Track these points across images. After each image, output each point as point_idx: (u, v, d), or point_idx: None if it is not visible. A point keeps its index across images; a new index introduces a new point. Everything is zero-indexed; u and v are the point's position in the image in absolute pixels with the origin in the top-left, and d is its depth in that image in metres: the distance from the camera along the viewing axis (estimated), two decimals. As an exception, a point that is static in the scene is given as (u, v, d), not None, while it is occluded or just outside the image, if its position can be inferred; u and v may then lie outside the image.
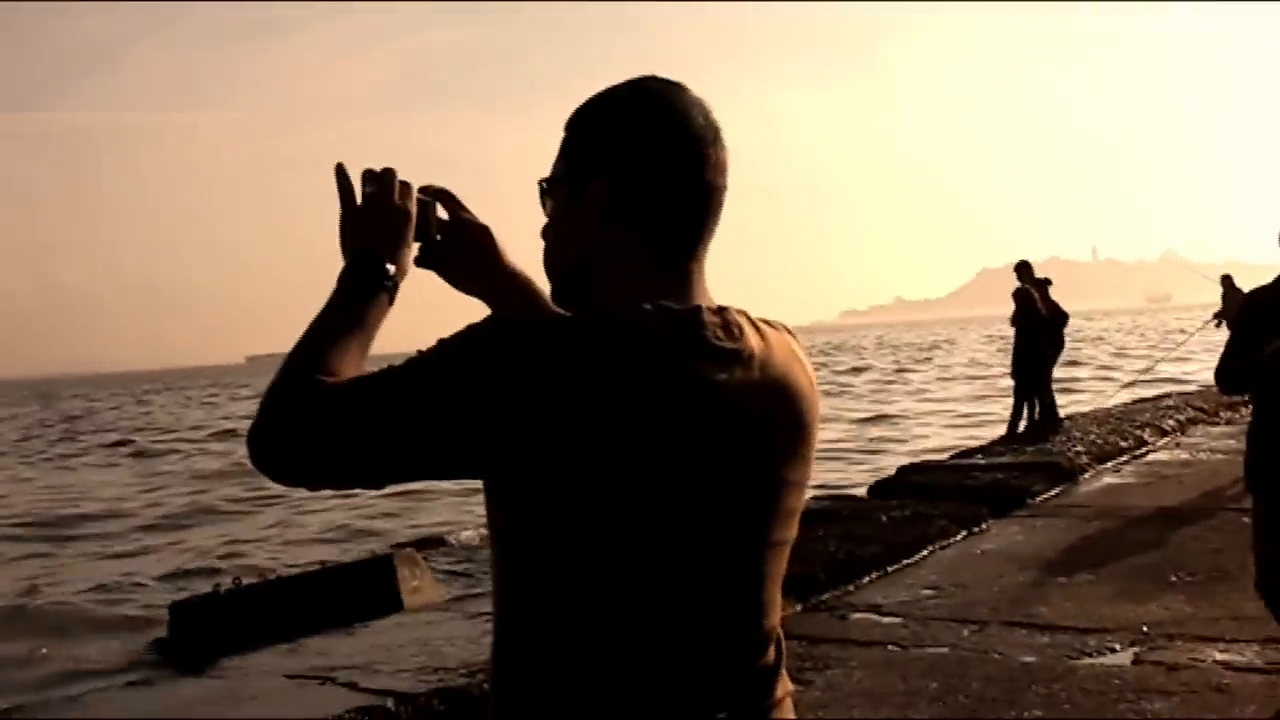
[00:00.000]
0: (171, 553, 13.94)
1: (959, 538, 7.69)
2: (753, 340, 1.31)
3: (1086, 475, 10.26)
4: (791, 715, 1.37)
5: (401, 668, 5.01)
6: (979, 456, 11.93)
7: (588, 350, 1.21)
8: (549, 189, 1.39)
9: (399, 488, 1.68)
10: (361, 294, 1.37)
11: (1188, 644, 5.12)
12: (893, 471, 11.50)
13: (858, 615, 5.96)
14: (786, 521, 1.35)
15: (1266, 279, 4.07)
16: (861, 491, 10.39)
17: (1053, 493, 9.43)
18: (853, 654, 5.24)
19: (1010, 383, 14.23)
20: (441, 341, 1.23)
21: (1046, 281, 13.85)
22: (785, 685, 1.37)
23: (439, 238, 1.50)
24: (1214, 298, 18.15)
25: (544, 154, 1.41)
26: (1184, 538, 7.41)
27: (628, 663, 1.24)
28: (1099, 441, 11.77)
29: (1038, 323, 13.37)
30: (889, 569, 6.86)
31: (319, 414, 1.21)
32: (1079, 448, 11.27)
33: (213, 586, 8.47)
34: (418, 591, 7.94)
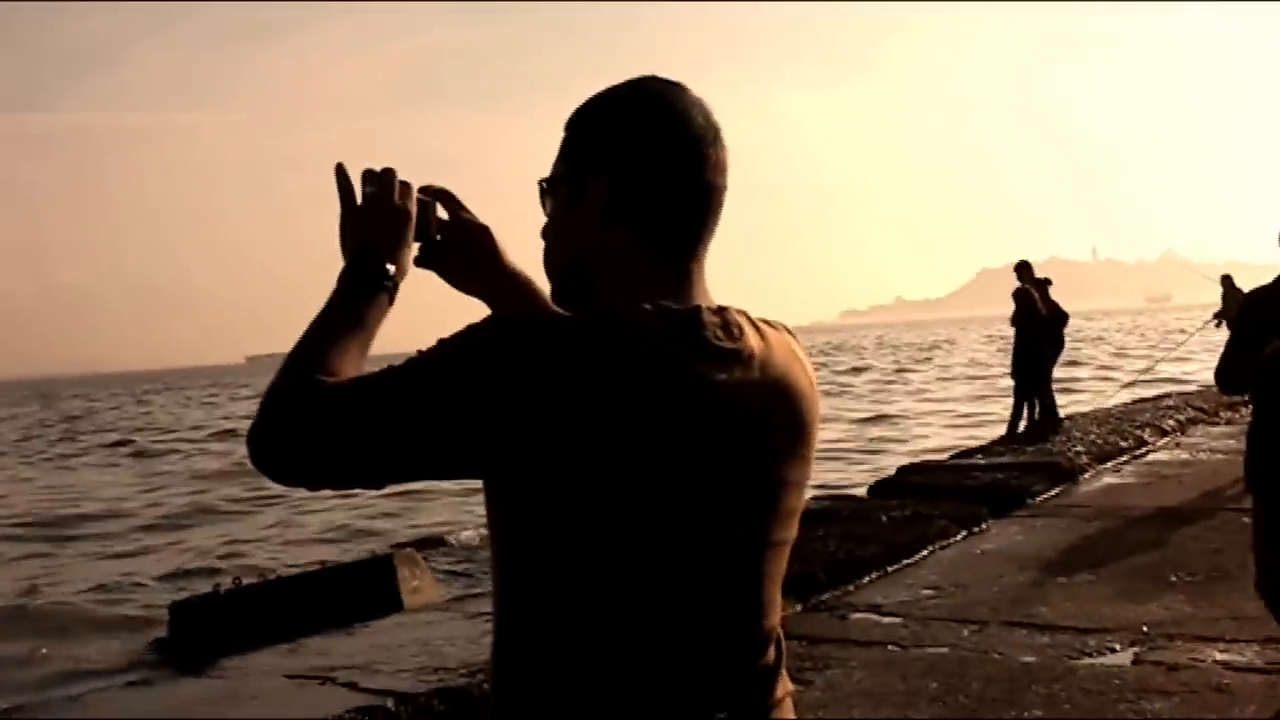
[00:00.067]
0: (171, 553, 13.94)
1: (959, 538, 7.69)
2: (752, 340, 1.31)
3: (1086, 475, 10.26)
4: (791, 715, 1.37)
5: (401, 668, 5.01)
6: (979, 456, 11.93)
7: (587, 350, 1.21)
8: (549, 189, 1.39)
9: (399, 488, 1.68)
10: (361, 294, 1.37)
11: (1188, 644, 5.12)
12: (893, 471, 11.50)
13: (858, 615, 5.96)
14: (786, 521, 1.35)
15: (1267, 279, 4.07)
16: (861, 491, 10.39)
17: (1053, 493, 9.43)
18: (853, 654, 5.24)
19: (1010, 383, 14.23)
20: (442, 341, 1.23)
21: (1046, 281, 13.86)
22: (785, 685, 1.37)
23: (439, 238, 1.50)
24: (1214, 298, 18.16)
25: (545, 154, 1.42)
26: (1184, 538, 7.41)
27: (627, 663, 1.24)
28: (1099, 441, 11.77)
29: (1038, 323, 13.38)
30: (889, 569, 6.86)
31: (319, 414, 1.21)
32: (1079, 448, 11.27)
33: (213, 586, 8.47)
34: (418, 591, 7.94)
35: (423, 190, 1.49)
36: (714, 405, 1.25)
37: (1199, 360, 24.91)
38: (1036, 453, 11.29)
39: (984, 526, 8.04)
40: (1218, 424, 14.06)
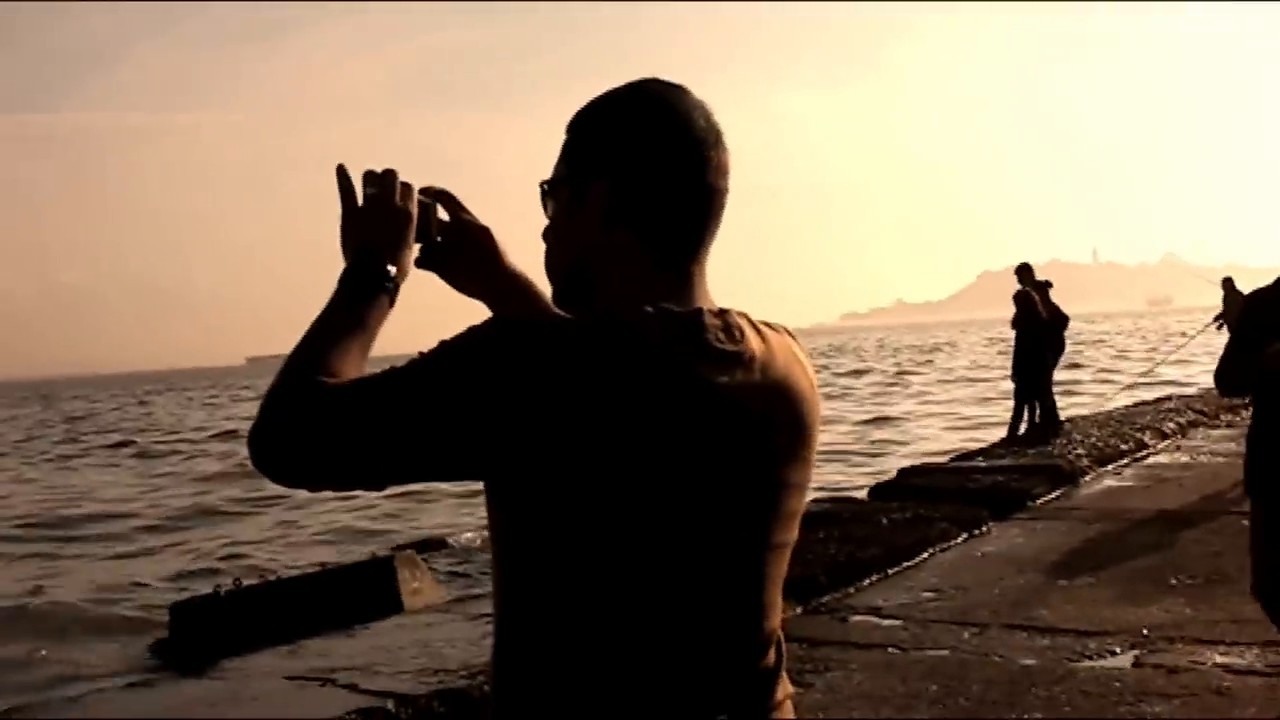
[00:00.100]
0: (172, 554, 13.95)
1: (959, 540, 7.69)
2: (754, 342, 1.31)
3: (1087, 478, 10.26)
4: (792, 717, 1.37)
5: (402, 669, 5.01)
6: (980, 459, 11.92)
7: (589, 352, 1.21)
8: (550, 191, 1.39)
9: (400, 489, 1.68)
10: (362, 295, 1.37)
11: (1188, 647, 5.12)
12: (893, 474, 11.49)
13: (858, 618, 5.96)
14: (787, 524, 1.35)
15: (1267, 281, 4.07)
16: (862, 494, 10.38)
17: (1053, 495, 9.43)
18: (853, 656, 5.23)
19: (1011, 385, 14.23)
20: (443, 343, 1.23)
21: (1047, 284, 13.86)
22: (785, 687, 1.37)
23: (440, 239, 1.50)
24: (1215, 300, 18.16)
25: (546, 155, 1.41)
26: (1184, 540, 7.41)
27: (628, 665, 1.24)
28: (1099, 444, 11.77)
29: (1038, 325, 13.38)
30: (889, 571, 6.86)
31: (320, 415, 1.21)
32: (1079, 450, 11.27)
33: (213, 587, 8.47)
34: (418, 593, 7.94)
35: (423, 191, 1.49)
36: (715, 407, 1.25)
37: (1199, 363, 24.91)
38: (1037, 455, 11.29)
39: (984, 529, 8.04)
40: (1218, 427, 14.06)
